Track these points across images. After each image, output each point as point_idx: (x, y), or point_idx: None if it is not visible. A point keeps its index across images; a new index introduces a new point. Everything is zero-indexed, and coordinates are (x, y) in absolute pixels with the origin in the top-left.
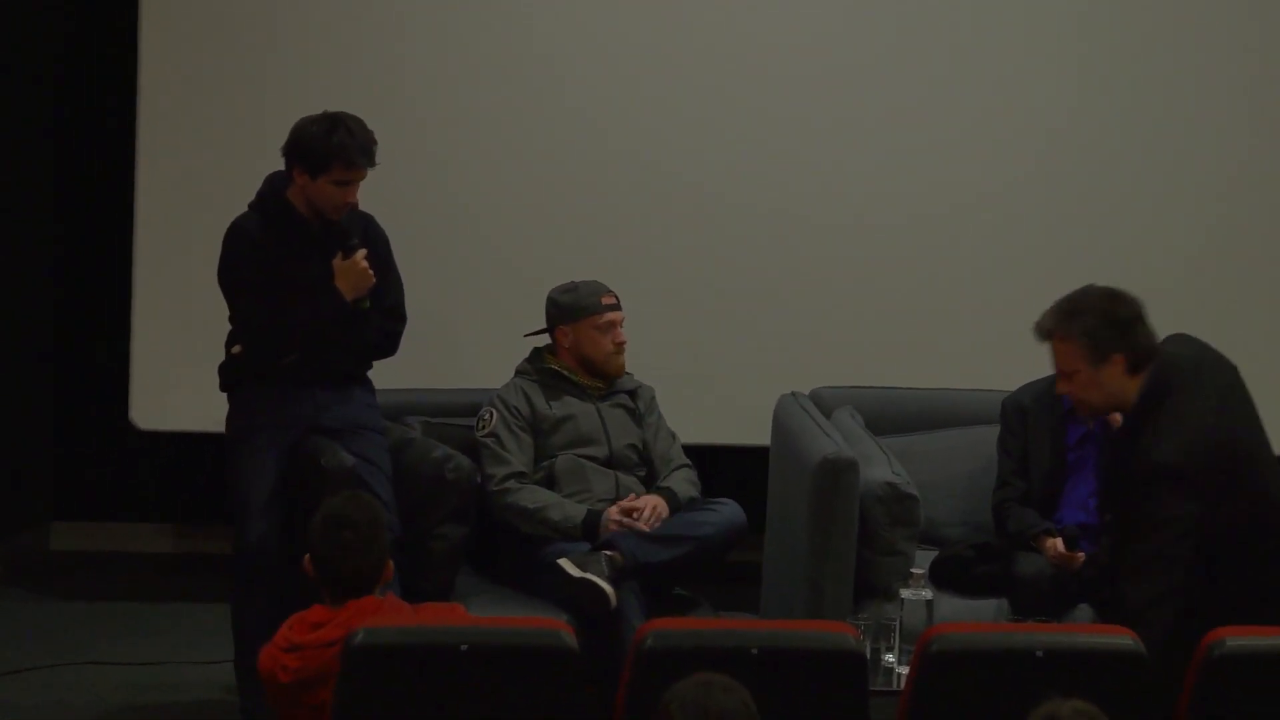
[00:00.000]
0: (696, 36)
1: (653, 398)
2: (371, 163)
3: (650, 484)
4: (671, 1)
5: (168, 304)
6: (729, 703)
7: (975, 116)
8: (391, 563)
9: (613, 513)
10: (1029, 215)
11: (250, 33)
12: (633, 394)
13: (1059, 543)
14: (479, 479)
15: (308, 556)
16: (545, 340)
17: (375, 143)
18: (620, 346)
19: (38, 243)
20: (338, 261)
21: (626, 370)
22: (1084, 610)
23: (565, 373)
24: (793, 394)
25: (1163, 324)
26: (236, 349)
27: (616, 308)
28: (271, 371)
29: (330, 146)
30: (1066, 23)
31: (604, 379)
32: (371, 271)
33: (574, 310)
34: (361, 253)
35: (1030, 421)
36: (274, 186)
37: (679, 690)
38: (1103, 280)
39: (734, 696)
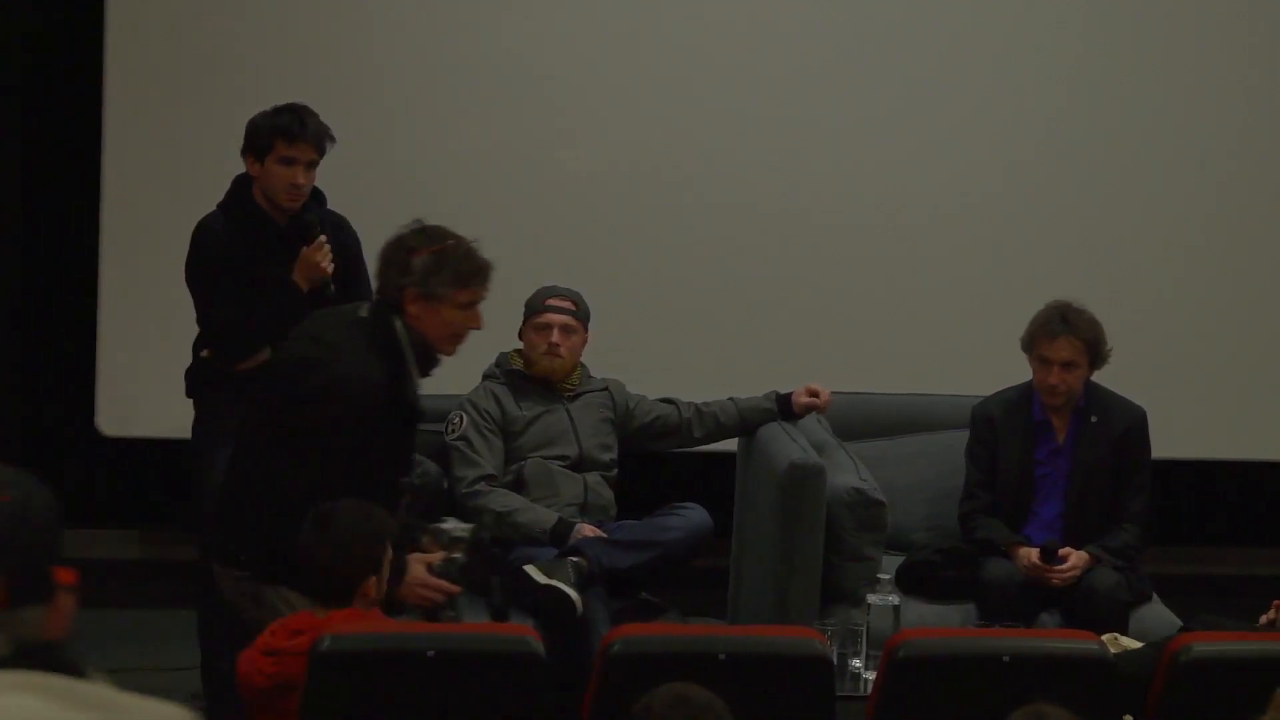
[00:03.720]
0: (676, 37)
1: (623, 387)
2: (317, 144)
3: (684, 430)
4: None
5: (134, 310)
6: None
7: (947, 122)
8: (375, 579)
9: (802, 392)
10: (998, 222)
11: (218, 34)
12: (602, 393)
13: (1033, 553)
14: (446, 484)
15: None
16: (516, 345)
17: (328, 132)
18: (553, 348)
19: (2, 246)
20: (303, 250)
21: (592, 375)
22: (1051, 616)
23: (529, 374)
24: None
25: (1137, 327)
26: (205, 353)
27: (561, 311)
28: (239, 373)
29: (272, 124)
30: (1050, 31)
31: (545, 382)
32: (330, 258)
33: (526, 309)
34: (321, 239)
35: (1000, 433)
36: (240, 187)
37: (652, 703)
38: (1076, 286)
39: (711, 710)
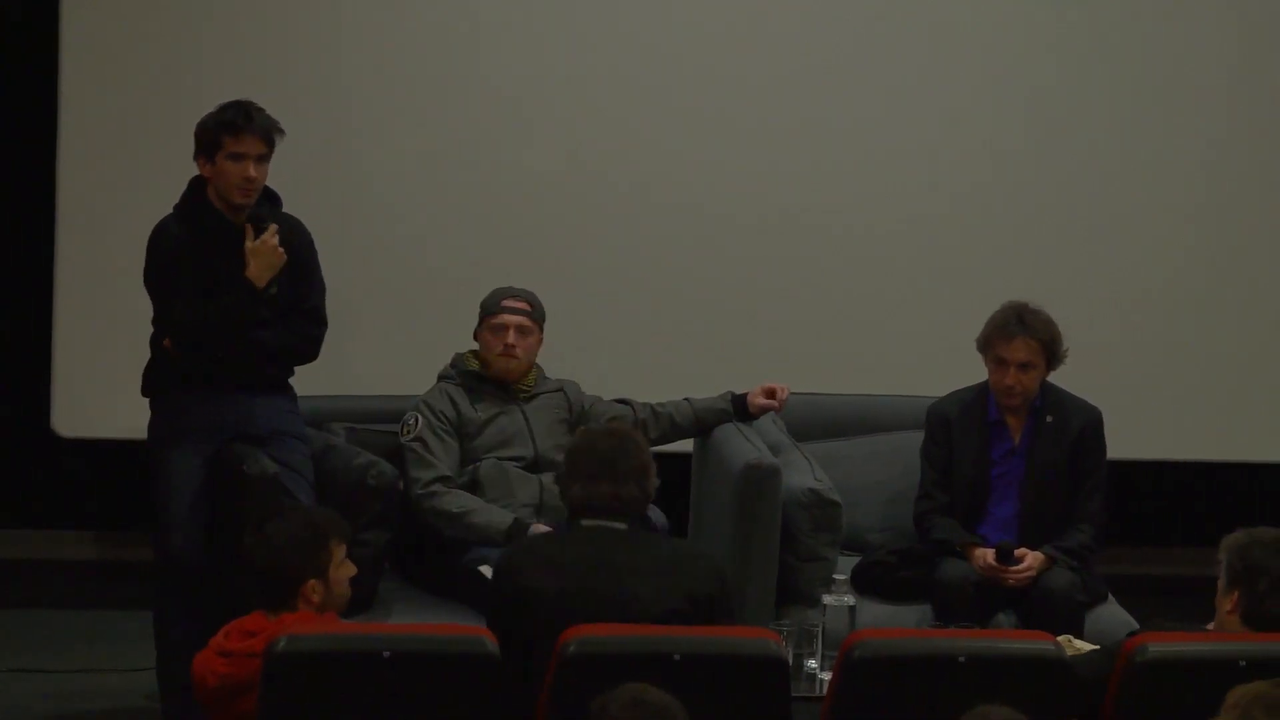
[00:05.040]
0: (635, 35)
1: (579, 388)
2: (265, 136)
3: (640, 430)
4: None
5: (89, 310)
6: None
7: (903, 125)
8: (317, 583)
9: (758, 393)
10: (955, 224)
11: (174, 34)
12: (558, 394)
13: (989, 554)
14: (401, 485)
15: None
16: (471, 346)
17: (275, 125)
18: (509, 349)
19: None
20: (249, 245)
21: (547, 376)
22: (1007, 616)
23: (485, 375)
24: None
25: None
26: (168, 341)
27: (516, 312)
28: (196, 374)
29: (218, 120)
30: (1027, 38)
31: (501, 383)
32: (281, 249)
33: (481, 310)
34: (272, 228)
35: (955, 432)
36: (195, 189)
37: (609, 705)
38: (1033, 287)
39: (668, 712)
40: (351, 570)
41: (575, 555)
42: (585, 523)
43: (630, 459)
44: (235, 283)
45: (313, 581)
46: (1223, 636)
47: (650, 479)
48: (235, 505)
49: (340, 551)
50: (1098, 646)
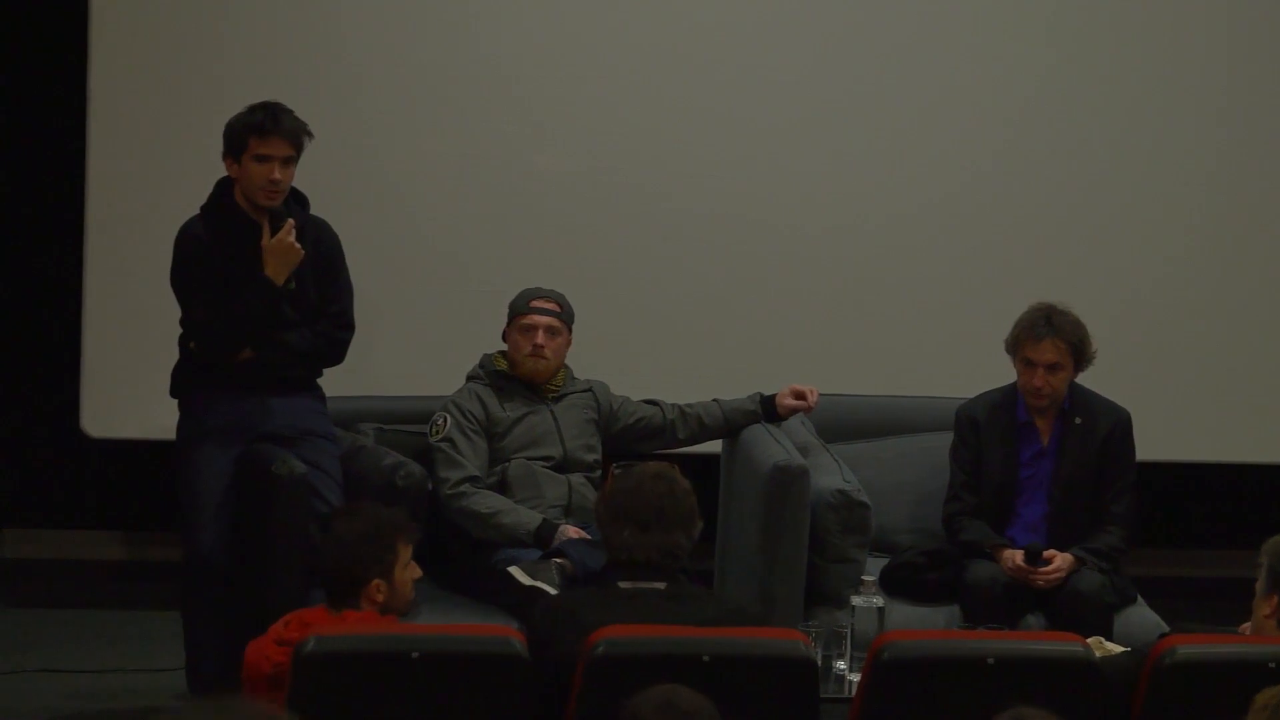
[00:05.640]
0: (655, 40)
1: (607, 389)
2: (292, 139)
3: (668, 432)
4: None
5: (119, 311)
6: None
7: (925, 121)
8: (382, 583)
9: (787, 394)
10: (981, 222)
11: (203, 36)
12: (586, 394)
13: (1018, 555)
14: (430, 486)
15: None
16: (500, 346)
17: (303, 128)
18: (537, 350)
19: None
20: (265, 242)
21: (576, 377)
22: (1036, 618)
23: (513, 375)
24: None
25: (1120, 328)
26: (193, 344)
27: (545, 313)
28: (224, 374)
29: (245, 122)
30: (1034, 29)
31: (530, 383)
32: (297, 245)
33: (510, 311)
34: (288, 224)
35: (984, 434)
36: (221, 190)
37: (641, 707)
38: (1061, 287)
39: (700, 715)
40: (417, 573)
41: (614, 622)
42: (623, 585)
43: (680, 505)
44: (255, 280)
45: (377, 581)
46: (1253, 639)
47: (695, 525)
48: (262, 505)
49: (406, 553)
50: (1127, 649)
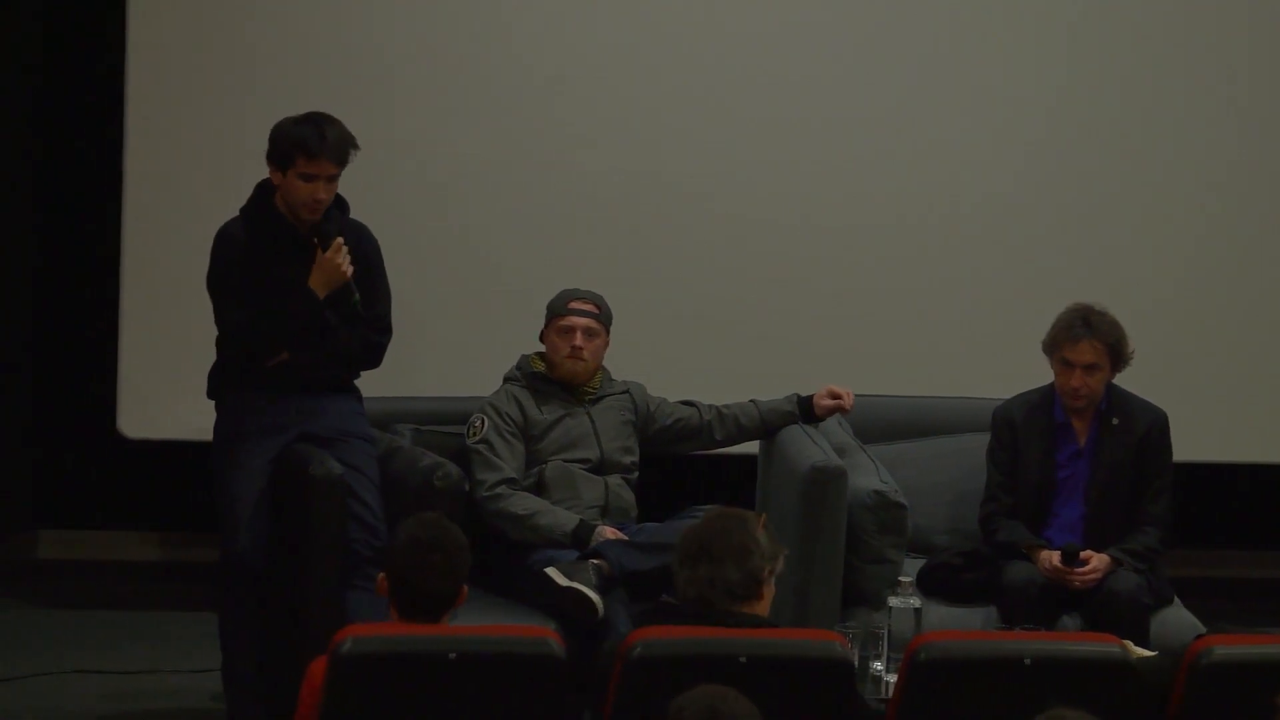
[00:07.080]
0: (691, 42)
1: (644, 390)
2: (338, 159)
3: (706, 433)
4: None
5: (155, 312)
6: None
7: (964, 122)
8: (465, 588)
9: (824, 394)
10: (1018, 222)
11: (239, 39)
12: (623, 395)
13: (1054, 556)
14: (467, 487)
15: (382, 575)
16: (537, 348)
17: (351, 142)
18: (576, 352)
19: (23, 248)
20: (319, 256)
21: (613, 378)
22: (1072, 618)
23: (551, 377)
24: None
25: (1157, 329)
26: (226, 347)
27: (584, 314)
28: (259, 377)
29: (294, 137)
30: (1054, 30)
31: (567, 385)
32: (349, 263)
33: (548, 312)
34: (338, 241)
35: (1020, 435)
36: (262, 193)
37: (684, 709)
38: (1096, 288)
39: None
40: None
41: None
42: None
43: (730, 538)
44: (297, 290)
45: (464, 587)
46: None
47: (751, 560)
48: (299, 507)
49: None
50: (1155, 653)
